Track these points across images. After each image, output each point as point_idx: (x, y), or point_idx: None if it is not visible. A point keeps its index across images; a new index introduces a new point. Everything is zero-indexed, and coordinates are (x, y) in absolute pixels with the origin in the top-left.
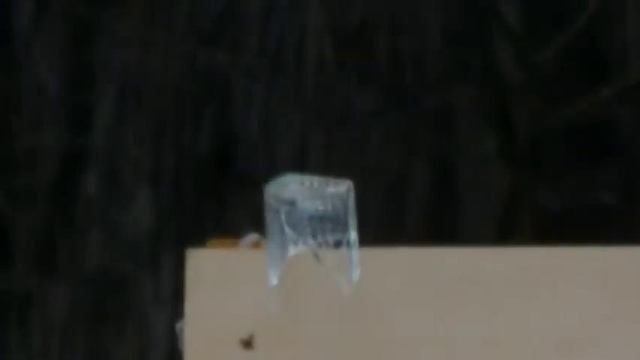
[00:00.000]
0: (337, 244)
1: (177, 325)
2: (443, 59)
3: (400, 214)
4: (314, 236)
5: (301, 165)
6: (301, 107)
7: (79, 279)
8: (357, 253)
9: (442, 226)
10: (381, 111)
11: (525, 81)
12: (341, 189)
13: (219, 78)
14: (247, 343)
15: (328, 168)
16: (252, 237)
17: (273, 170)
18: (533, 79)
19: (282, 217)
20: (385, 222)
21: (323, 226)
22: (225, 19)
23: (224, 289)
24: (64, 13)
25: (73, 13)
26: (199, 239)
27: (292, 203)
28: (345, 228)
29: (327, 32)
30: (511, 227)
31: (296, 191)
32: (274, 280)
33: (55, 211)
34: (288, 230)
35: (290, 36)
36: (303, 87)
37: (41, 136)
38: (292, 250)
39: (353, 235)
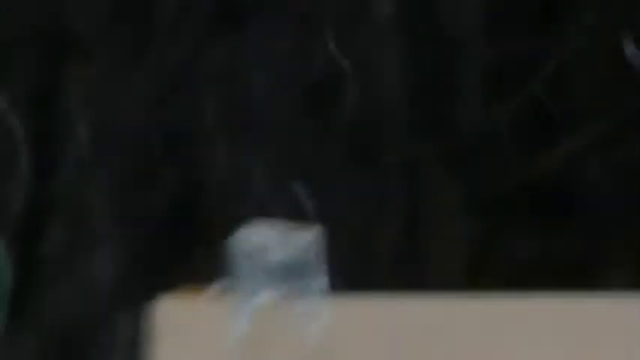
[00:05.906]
0: (305, 291)
1: None
2: (406, 115)
3: (368, 262)
4: (282, 283)
5: (268, 214)
6: (266, 158)
7: (45, 327)
8: (325, 301)
9: (409, 275)
10: (347, 165)
11: (488, 136)
12: (310, 236)
13: (184, 130)
14: None
15: (295, 217)
16: (220, 285)
17: (241, 218)
18: (496, 135)
19: (250, 263)
20: (353, 270)
21: (291, 272)
22: (185, 74)
23: (189, 337)
24: (27, 68)
25: (34, 67)
26: (165, 288)
27: (261, 250)
28: (313, 274)
29: (292, 87)
30: (478, 276)
31: (265, 238)
32: (240, 329)
33: (19, 258)
34: (256, 277)
35: (253, 92)
36: (268, 139)
37: (6, 182)
38: (260, 298)
39: (321, 281)
